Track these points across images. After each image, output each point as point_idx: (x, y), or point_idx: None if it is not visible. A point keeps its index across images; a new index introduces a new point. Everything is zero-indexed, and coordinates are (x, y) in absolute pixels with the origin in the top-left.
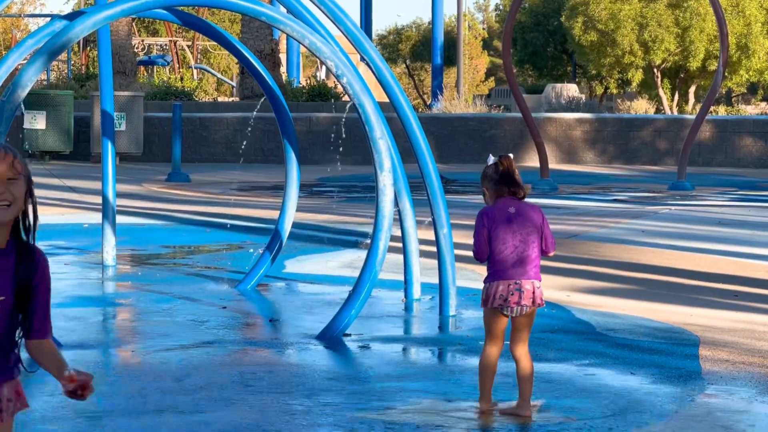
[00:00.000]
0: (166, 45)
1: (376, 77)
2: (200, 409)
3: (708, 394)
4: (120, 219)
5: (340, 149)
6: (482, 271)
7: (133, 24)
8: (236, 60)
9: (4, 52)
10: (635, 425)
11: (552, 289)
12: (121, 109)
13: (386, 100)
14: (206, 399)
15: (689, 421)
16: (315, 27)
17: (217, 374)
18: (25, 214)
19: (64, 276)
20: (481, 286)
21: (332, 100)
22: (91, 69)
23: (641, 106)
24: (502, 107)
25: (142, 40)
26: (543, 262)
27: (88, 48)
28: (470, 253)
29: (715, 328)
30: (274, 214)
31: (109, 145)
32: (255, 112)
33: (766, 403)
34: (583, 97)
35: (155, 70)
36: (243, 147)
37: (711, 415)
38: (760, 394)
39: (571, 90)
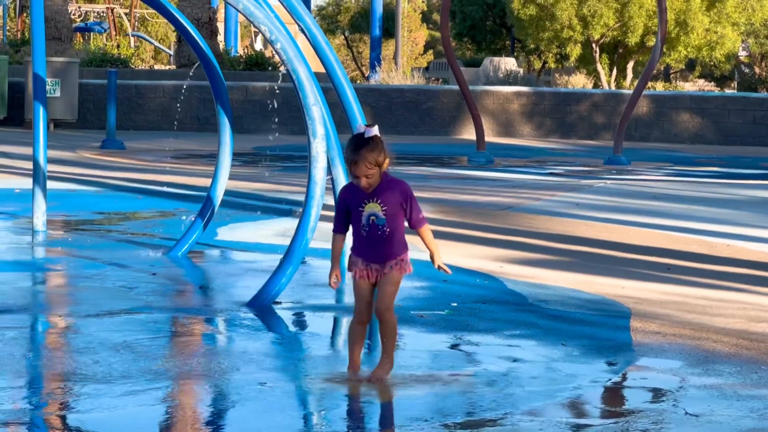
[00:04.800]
0: (103, 12)
1: (312, 44)
2: (129, 376)
3: (638, 366)
4: (52, 185)
5: (277, 119)
6: (419, 243)
7: None
8: (174, 28)
9: None
10: (563, 394)
11: (484, 260)
12: (55, 75)
13: (323, 71)
14: (134, 367)
15: (618, 391)
16: None
17: (145, 342)
18: None
19: None
20: (420, 256)
21: (269, 69)
22: (26, 35)
23: (579, 81)
24: (441, 80)
25: (79, 7)
26: (475, 233)
27: (24, 14)
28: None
29: (646, 301)
30: (208, 182)
31: (41, 109)
32: (188, 80)
33: (695, 375)
34: (521, 71)
35: (92, 37)
36: (178, 115)
37: (640, 386)
38: (689, 366)
39: (509, 64)
